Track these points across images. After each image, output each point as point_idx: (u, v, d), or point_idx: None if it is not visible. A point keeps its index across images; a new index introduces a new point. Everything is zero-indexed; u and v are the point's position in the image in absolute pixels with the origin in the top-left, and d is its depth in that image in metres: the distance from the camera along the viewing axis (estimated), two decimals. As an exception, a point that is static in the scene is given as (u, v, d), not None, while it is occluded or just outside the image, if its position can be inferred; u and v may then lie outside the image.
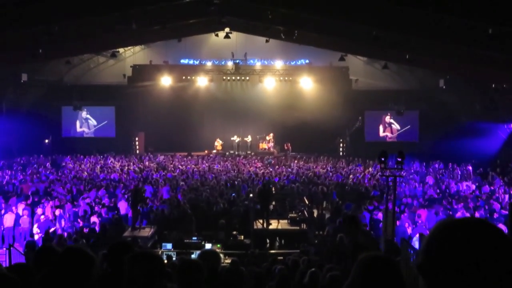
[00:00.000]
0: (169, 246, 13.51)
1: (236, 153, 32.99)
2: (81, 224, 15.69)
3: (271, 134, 33.66)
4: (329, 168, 26.80)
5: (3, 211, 16.51)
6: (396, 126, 34.33)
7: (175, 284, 3.72)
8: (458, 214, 15.75)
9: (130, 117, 32.78)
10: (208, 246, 13.30)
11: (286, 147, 33.40)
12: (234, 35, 28.92)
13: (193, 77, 33.54)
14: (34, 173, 24.49)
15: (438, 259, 1.35)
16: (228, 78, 33.58)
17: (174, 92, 32.92)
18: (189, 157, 31.15)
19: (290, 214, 16.74)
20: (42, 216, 15.74)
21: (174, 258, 11.18)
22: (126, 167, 26.63)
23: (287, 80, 33.74)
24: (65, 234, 14.03)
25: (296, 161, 29.69)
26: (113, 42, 27.41)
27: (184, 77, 33.48)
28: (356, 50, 28.18)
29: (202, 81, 33.29)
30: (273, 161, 29.76)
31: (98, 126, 34.59)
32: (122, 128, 33.52)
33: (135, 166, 27.51)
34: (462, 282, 1.31)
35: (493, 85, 25.36)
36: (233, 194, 19.42)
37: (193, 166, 27.32)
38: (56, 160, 29.44)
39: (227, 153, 32.95)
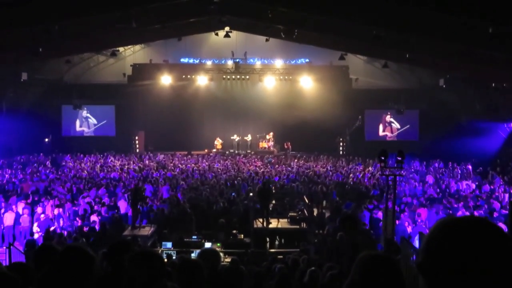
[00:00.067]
0: (169, 245, 13.52)
1: (236, 152, 32.99)
2: (79, 223, 15.70)
3: (271, 133, 33.65)
4: (329, 167, 26.79)
5: (3, 210, 16.51)
6: (396, 125, 34.33)
7: (175, 283, 3.72)
8: (459, 214, 15.75)
9: (130, 116, 32.76)
10: (208, 245, 13.31)
11: (286, 146, 33.39)
12: (234, 34, 28.91)
13: (193, 76, 33.53)
14: (34, 172, 24.50)
15: (438, 258, 1.35)
16: (228, 77, 33.57)
17: (174, 91, 32.90)
18: (189, 156, 31.13)
19: (290, 213, 16.74)
20: (42, 215, 15.76)
21: (174, 257, 11.18)
22: (126, 166, 26.63)
23: (287, 79, 33.73)
24: (65, 233, 14.05)
25: (296, 160, 29.68)
26: (113, 41, 27.39)
27: (184, 76, 33.47)
28: (356, 49, 28.17)
29: (202, 80, 33.28)
30: (273, 160, 29.76)
31: (98, 125, 34.60)
32: (122, 127, 33.51)
33: (135, 165, 27.52)
34: (462, 281, 1.31)
35: (493, 84, 25.35)
36: (233, 193, 19.42)
37: (193, 165, 27.32)
38: (56, 159, 29.45)
39: (227, 152, 32.95)
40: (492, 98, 27.57)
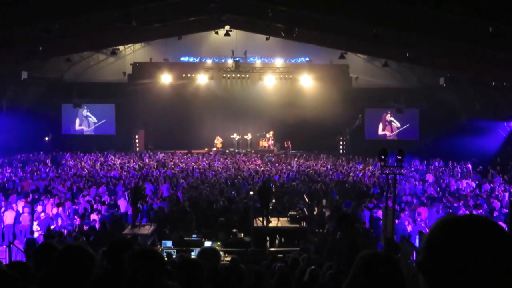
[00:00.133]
0: (169, 243, 13.51)
1: (236, 151, 33.00)
2: (78, 222, 15.69)
3: (271, 132, 33.65)
4: (329, 166, 26.80)
5: (3, 209, 16.50)
6: (396, 124, 34.34)
7: (175, 282, 3.72)
8: (459, 213, 15.76)
9: (130, 114, 32.77)
10: (208, 244, 13.30)
11: (286, 145, 33.41)
12: (234, 32, 28.86)
13: (193, 75, 33.51)
14: (34, 170, 24.50)
15: (439, 256, 1.34)
16: (228, 76, 33.54)
17: (174, 90, 32.89)
18: (189, 155, 31.14)
19: (290, 212, 16.74)
20: (42, 214, 15.75)
21: (174, 256, 11.18)
22: (126, 165, 26.63)
23: (287, 78, 33.72)
24: (65, 231, 14.05)
25: (296, 159, 29.68)
26: (113, 40, 27.37)
27: (184, 75, 33.45)
28: (357, 48, 28.15)
29: (202, 79, 33.26)
30: (273, 159, 29.77)
31: (98, 123, 34.60)
32: (122, 125, 33.52)
33: (135, 163, 27.52)
34: (462, 279, 1.31)
35: (493, 83, 25.34)
36: (233, 192, 19.42)
37: (193, 163, 27.31)
38: (56, 157, 29.46)
39: (227, 151, 32.95)
40: (492, 97, 27.57)
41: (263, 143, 33.68)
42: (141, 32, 25.13)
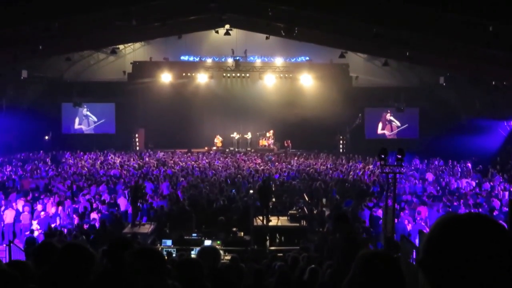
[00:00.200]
0: (169, 242, 13.52)
1: (236, 150, 32.99)
2: (77, 221, 15.67)
3: (271, 131, 33.64)
4: (329, 165, 26.79)
5: (3, 208, 16.49)
6: (396, 123, 34.33)
7: (175, 281, 3.72)
8: (460, 212, 15.76)
9: (130, 113, 32.75)
10: (207, 242, 13.29)
11: (286, 144, 33.41)
12: (234, 32, 28.85)
13: (193, 74, 33.50)
14: (34, 169, 24.50)
15: (439, 254, 1.34)
16: (228, 75, 33.53)
17: (174, 89, 32.88)
18: (189, 154, 31.13)
19: (290, 211, 16.75)
20: (42, 213, 15.74)
21: (174, 255, 11.18)
22: (126, 164, 26.63)
23: (287, 77, 33.70)
24: (65, 230, 14.04)
25: (296, 158, 29.69)
26: (113, 39, 27.38)
27: (184, 74, 33.44)
28: (357, 47, 28.16)
29: (202, 78, 33.25)
30: (273, 158, 29.77)
31: (98, 122, 34.60)
32: (122, 124, 33.50)
33: (135, 162, 27.51)
34: (463, 277, 1.31)
35: (493, 83, 25.34)
36: (233, 191, 19.42)
37: (193, 162, 27.31)
38: (56, 156, 29.46)
39: (227, 150, 32.95)
40: (492, 96, 27.56)
41: (263, 142, 33.68)
42: (141, 31, 25.13)
